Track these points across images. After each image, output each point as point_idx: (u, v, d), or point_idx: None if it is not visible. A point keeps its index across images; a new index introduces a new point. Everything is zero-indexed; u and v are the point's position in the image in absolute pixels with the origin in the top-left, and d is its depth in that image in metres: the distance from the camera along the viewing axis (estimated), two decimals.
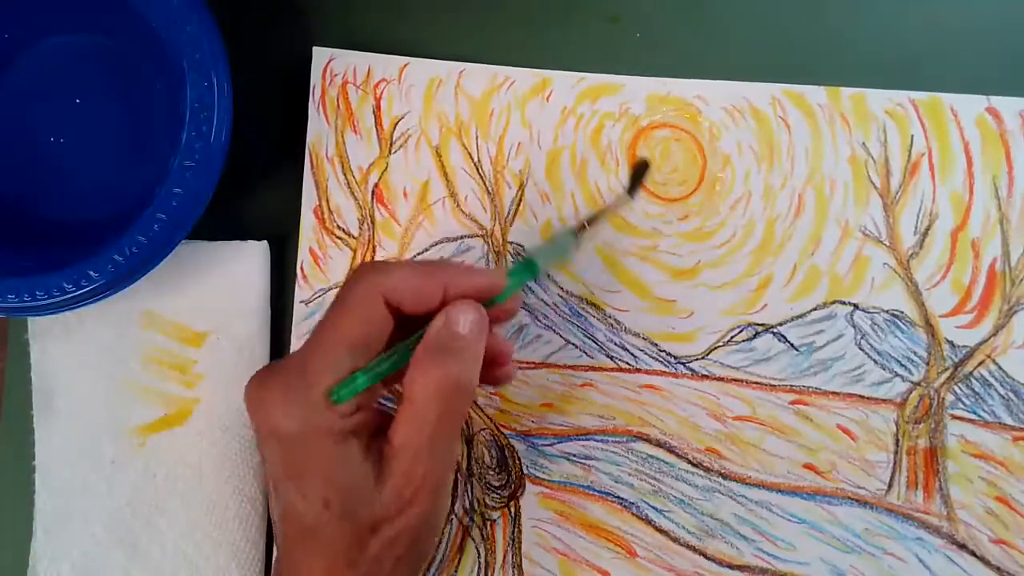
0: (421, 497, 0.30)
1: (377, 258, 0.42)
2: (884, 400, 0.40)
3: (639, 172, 0.39)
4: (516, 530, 0.40)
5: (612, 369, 0.41)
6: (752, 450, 0.40)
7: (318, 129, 0.42)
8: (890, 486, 0.39)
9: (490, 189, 0.42)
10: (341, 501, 0.29)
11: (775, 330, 0.40)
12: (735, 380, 0.40)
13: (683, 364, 0.41)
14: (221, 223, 0.40)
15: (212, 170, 0.37)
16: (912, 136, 0.41)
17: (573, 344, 0.41)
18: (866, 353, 0.40)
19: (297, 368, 0.30)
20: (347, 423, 0.29)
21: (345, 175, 0.42)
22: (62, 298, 0.37)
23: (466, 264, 0.33)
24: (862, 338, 0.40)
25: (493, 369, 0.34)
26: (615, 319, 0.41)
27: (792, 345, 0.40)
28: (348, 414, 0.29)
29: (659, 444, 0.40)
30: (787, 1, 0.42)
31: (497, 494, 0.41)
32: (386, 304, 0.30)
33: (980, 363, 0.40)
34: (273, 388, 0.30)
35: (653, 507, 0.40)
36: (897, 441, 0.40)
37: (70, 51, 0.42)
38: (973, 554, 0.39)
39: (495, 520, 0.41)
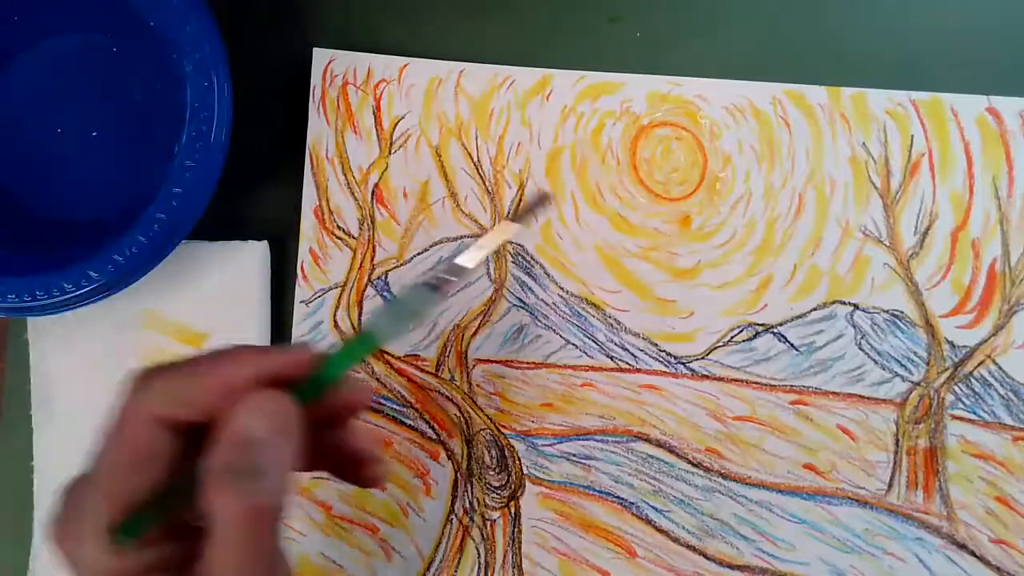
0: None
1: (378, 259, 0.42)
2: (884, 400, 0.40)
3: (535, 204, 0.32)
4: (516, 530, 0.40)
5: (612, 369, 0.41)
6: (752, 450, 0.40)
7: (318, 129, 0.42)
8: (890, 486, 0.40)
9: (490, 189, 0.42)
10: None
11: (775, 330, 0.40)
12: (735, 380, 0.40)
13: (683, 364, 0.41)
14: (221, 223, 0.40)
15: (212, 170, 0.37)
16: (912, 136, 0.41)
17: (573, 344, 0.41)
18: (866, 353, 0.40)
19: (74, 505, 0.26)
20: (139, 564, 0.25)
21: (345, 175, 0.42)
22: (62, 298, 0.37)
23: (246, 347, 0.27)
24: (862, 338, 0.40)
25: (357, 470, 0.29)
26: (615, 319, 0.41)
27: (792, 345, 0.40)
28: (140, 555, 0.25)
29: (659, 444, 0.40)
30: (787, 1, 0.42)
31: (497, 494, 0.41)
32: (163, 422, 0.25)
33: (980, 363, 0.40)
34: (64, 529, 0.26)
35: (653, 507, 0.40)
36: (897, 441, 0.40)
37: (70, 51, 0.42)
38: (973, 554, 0.39)
39: (495, 520, 0.41)
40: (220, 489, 0.24)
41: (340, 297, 0.42)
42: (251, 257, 0.41)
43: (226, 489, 0.24)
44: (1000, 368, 0.39)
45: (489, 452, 0.41)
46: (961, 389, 0.40)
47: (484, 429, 0.41)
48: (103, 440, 0.26)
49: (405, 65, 0.42)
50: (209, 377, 0.26)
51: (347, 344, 0.27)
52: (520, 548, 0.40)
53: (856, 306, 0.40)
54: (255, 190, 0.43)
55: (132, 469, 0.25)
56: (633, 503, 0.40)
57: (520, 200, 0.42)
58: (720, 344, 0.41)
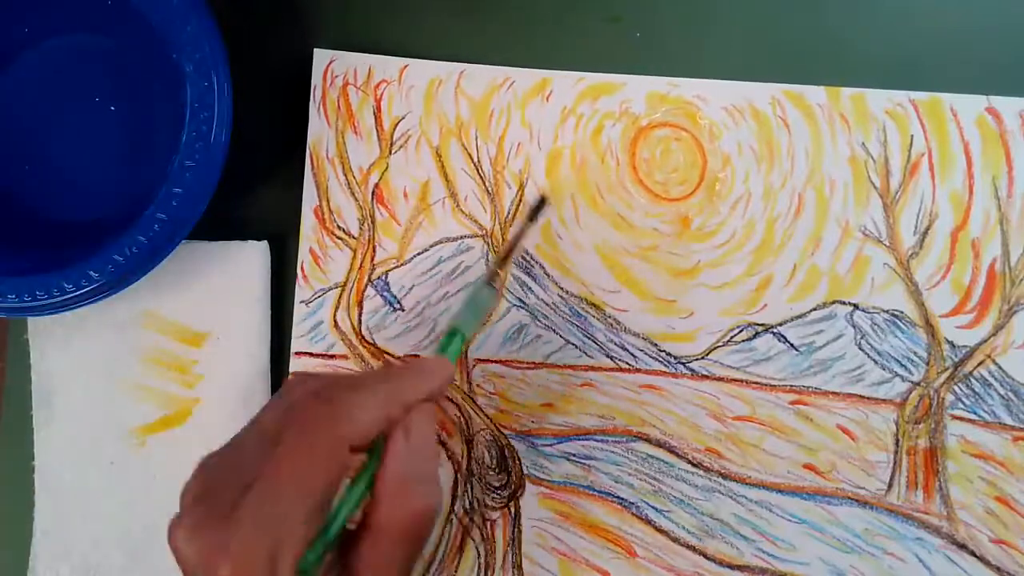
0: None
1: (378, 259, 0.42)
2: (884, 400, 0.40)
3: (539, 204, 0.38)
4: (516, 530, 0.40)
5: (612, 369, 0.41)
6: (752, 450, 0.40)
7: (319, 130, 0.42)
8: (890, 486, 0.39)
9: (490, 189, 0.42)
10: None
11: (775, 330, 0.40)
12: (735, 380, 0.40)
13: (683, 364, 0.41)
14: (221, 223, 0.40)
15: (212, 170, 0.37)
16: (912, 136, 0.41)
17: (573, 344, 0.41)
18: (866, 353, 0.40)
19: (256, 543, 0.25)
20: None
21: (345, 175, 0.42)
22: (62, 298, 0.37)
23: (408, 367, 0.31)
24: (862, 338, 0.40)
25: None
26: (615, 319, 0.41)
27: (792, 345, 0.40)
28: None
29: (659, 444, 0.40)
30: (787, 1, 0.42)
31: (497, 494, 0.41)
32: (354, 446, 0.27)
33: (980, 363, 0.40)
34: (231, 558, 0.25)
35: (653, 507, 0.40)
36: (897, 441, 0.40)
37: (70, 51, 0.42)
38: (973, 554, 0.39)
39: (495, 520, 0.41)
40: (398, 497, 0.27)
41: (340, 297, 0.42)
42: (251, 257, 0.41)
43: (404, 496, 0.27)
44: (1000, 368, 0.39)
45: (489, 452, 0.41)
46: (961, 389, 0.40)
47: (484, 429, 0.41)
48: (291, 471, 0.26)
49: (405, 66, 0.42)
50: (399, 409, 0.28)
51: (448, 345, 0.33)
52: (520, 548, 0.40)
53: (856, 306, 0.40)
54: (255, 190, 0.43)
55: (324, 499, 0.26)
56: (633, 503, 0.40)
57: (519, 201, 0.42)
58: (720, 344, 0.41)
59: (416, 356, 0.41)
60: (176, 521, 0.26)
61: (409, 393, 0.29)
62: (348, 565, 0.27)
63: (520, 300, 0.41)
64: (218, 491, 0.26)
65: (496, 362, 0.41)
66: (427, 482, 0.28)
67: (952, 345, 0.40)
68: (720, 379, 0.40)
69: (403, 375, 0.30)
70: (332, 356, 0.41)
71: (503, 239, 0.41)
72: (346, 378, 0.30)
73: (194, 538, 0.25)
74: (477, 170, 0.42)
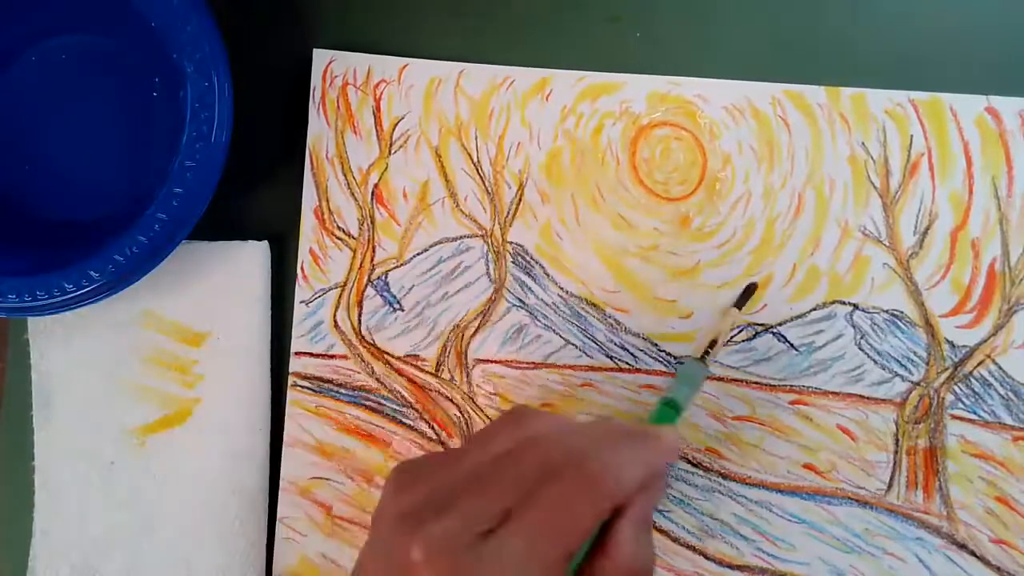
0: None
1: (377, 259, 0.42)
2: (884, 400, 0.40)
3: (748, 291, 0.40)
4: None
5: (612, 369, 0.41)
6: (752, 450, 0.40)
7: (318, 130, 0.42)
8: (890, 486, 0.39)
9: (490, 189, 0.42)
10: None
11: (775, 330, 0.40)
12: (735, 380, 0.40)
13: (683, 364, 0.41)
14: (221, 223, 0.40)
15: (212, 170, 0.37)
16: (912, 136, 0.41)
17: (573, 344, 0.41)
18: (866, 353, 0.40)
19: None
20: None
21: (345, 176, 0.42)
22: (62, 298, 0.37)
23: (648, 433, 0.31)
24: (862, 338, 0.40)
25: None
26: (615, 319, 0.41)
27: (792, 345, 0.40)
28: None
29: None
30: (787, 1, 0.42)
31: None
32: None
33: (980, 363, 0.40)
34: None
35: None
36: (897, 441, 0.40)
37: (70, 51, 0.42)
38: (973, 554, 0.39)
39: None
40: (628, 557, 0.28)
41: (340, 297, 0.42)
42: (251, 257, 0.41)
43: (634, 556, 0.28)
44: (1000, 368, 0.40)
45: None
46: (961, 389, 0.40)
47: None
48: (549, 515, 0.27)
49: (405, 66, 0.42)
50: (649, 463, 0.30)
51: (665, 416, 0.35)
52: None
53: (856, 306, 0.40)
54: (255, 190, 0.43)
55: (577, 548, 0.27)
56: None
57: (519, 201, 0.42)
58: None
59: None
60: (407, 531, 0.26)
61: (657, 460, 0.30)
62: None
63: (520, 300, 0.41)
64: (454, 512, 0.26)
65: (496, 362, 0.41)
66: (650, 546, 0.30)
67: (952, 345, 0.40)
68: (720, 379, 0.40)
69: (650, 441, 0.31)
70: (332, 356, 0.41)
71: (503, 239, 0.41)
72: (600, 436, 0.30)
73: (438, 559, 0.25)
74: (477, 170, 0.42)
